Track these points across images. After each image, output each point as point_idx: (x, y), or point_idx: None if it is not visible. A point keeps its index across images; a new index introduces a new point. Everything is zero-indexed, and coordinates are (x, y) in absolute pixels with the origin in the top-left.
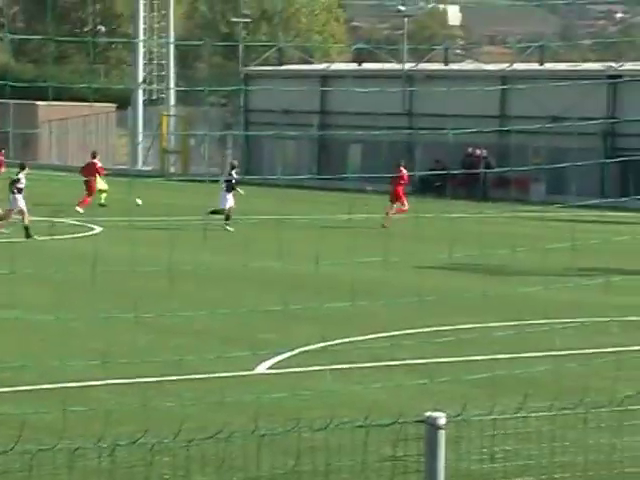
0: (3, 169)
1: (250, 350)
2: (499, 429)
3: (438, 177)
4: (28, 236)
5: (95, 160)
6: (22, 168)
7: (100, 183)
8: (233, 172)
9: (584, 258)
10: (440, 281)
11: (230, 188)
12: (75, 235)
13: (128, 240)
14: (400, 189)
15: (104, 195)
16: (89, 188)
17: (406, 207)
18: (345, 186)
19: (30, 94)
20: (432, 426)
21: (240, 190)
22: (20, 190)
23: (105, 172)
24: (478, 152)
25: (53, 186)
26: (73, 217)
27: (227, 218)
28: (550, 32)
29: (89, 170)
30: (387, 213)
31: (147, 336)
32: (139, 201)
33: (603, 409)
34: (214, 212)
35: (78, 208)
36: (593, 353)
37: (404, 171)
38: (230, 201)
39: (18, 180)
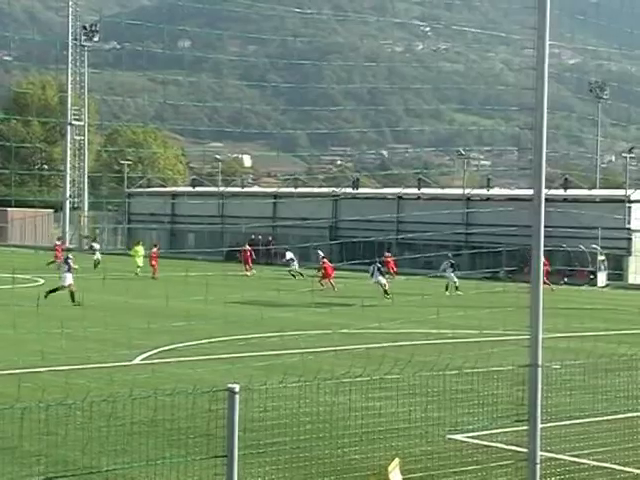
0: None
1: (129, 349)
2: (270, 393)
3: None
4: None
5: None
6: None
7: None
8: None
9: (320, 297)
10: (238, 310)
11: None
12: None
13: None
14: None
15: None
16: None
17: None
18: (185, 257)
19: (3, 204)
20: (231, 392)
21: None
22: None
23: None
24: (260, 237)
25: (15, 256)
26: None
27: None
28: (300, 170)
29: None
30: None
31: (71, 342)
32: None
33: (329, 381)
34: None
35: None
36: (328, 350)
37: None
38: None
39: None
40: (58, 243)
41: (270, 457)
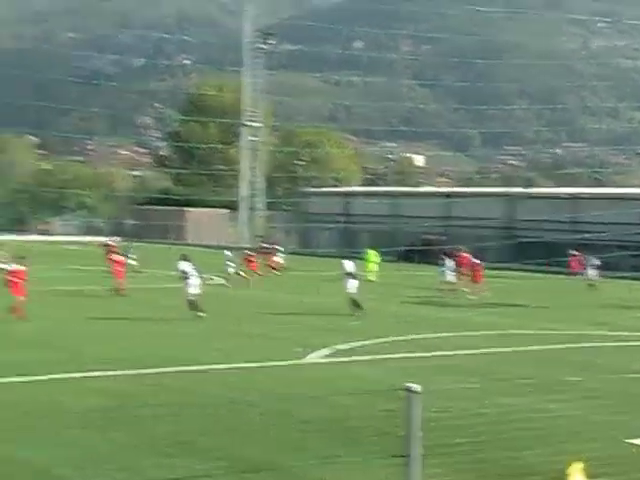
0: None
1: (305, 348)
2: (446, 394)
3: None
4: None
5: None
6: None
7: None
8: None
9: (492, 298)
10: (413, 310)
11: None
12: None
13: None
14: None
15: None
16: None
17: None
18: (358, 256)
19: (181, 204)
20: (410, 392)
21: None
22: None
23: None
24: (432, 237)
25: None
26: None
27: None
28: (472, 169)
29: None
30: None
31: (249, 340)
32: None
33: (506, 382)
34: None
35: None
36: (503, 352)
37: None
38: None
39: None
40: (265, 246)
41: (446, 458)
